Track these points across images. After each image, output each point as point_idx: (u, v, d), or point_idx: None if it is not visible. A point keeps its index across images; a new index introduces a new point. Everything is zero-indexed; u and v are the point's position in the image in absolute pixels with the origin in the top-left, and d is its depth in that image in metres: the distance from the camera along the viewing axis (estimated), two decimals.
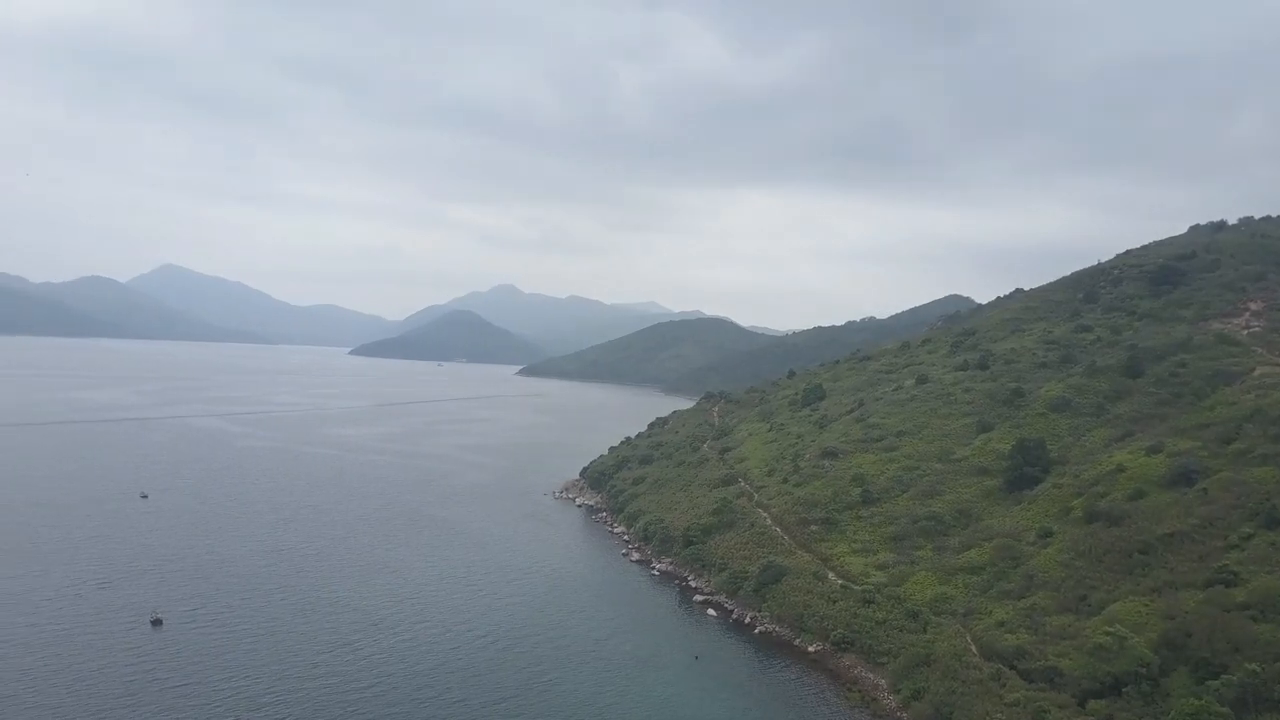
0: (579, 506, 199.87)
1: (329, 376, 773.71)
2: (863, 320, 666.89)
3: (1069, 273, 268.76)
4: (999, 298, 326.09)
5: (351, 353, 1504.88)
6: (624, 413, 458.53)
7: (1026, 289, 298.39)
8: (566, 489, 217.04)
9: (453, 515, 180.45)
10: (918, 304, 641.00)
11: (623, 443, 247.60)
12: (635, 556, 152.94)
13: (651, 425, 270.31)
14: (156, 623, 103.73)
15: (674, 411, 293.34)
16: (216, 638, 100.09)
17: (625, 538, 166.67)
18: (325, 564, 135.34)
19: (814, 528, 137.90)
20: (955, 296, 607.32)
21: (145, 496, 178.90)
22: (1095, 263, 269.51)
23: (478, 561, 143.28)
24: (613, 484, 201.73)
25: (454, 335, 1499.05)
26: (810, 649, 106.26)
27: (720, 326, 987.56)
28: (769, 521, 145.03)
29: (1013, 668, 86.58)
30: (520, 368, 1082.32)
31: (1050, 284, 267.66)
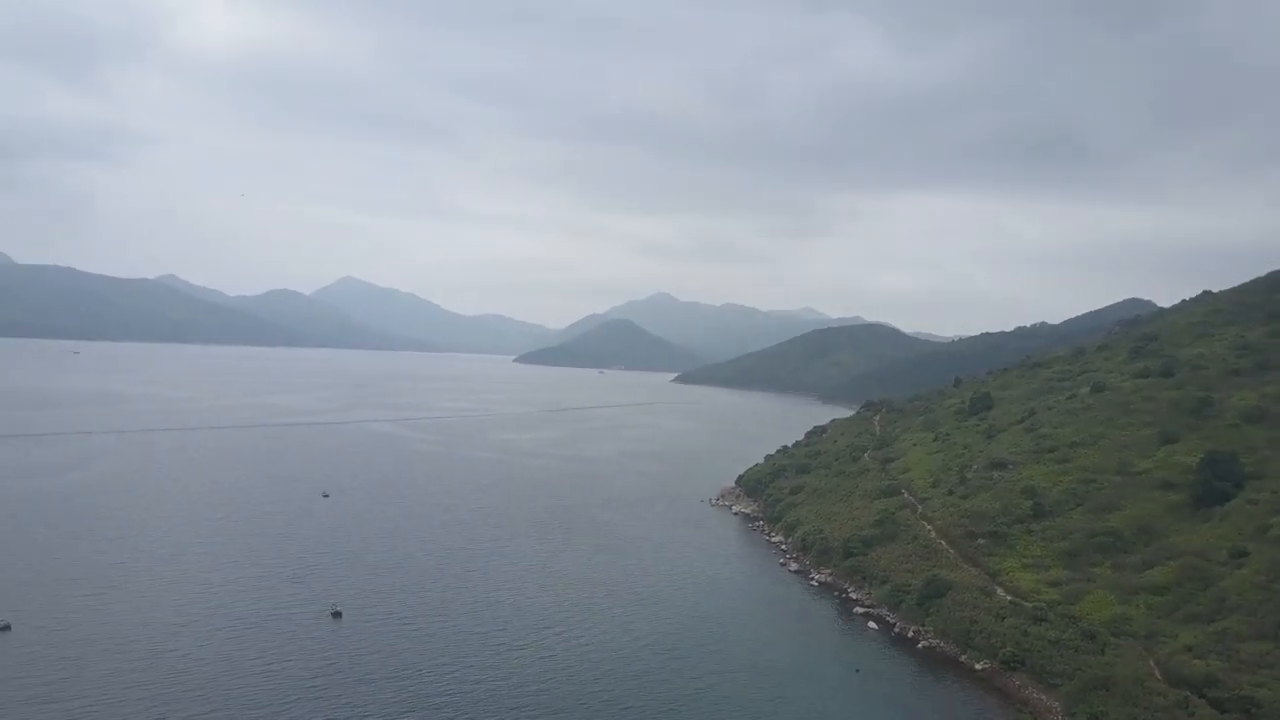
0: (735, 514, 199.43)
1: (495, 383, 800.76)
2: (1033, 326, 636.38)
3: (1264, 273, 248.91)
4: (1184, 301, 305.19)
5: (516, 360, 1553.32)
6: (780, 421, 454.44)
7: (1215, 291, 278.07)
8: (723, 496, 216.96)
9: (612, 519, 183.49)
10: (1093, 308, 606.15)
11: (779, 451, 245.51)
12: (793, 566, 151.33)
13: (809, 434, 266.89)
14: (336, 615, 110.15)
15: (833, 420, 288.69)
16: (391, 632, 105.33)
17: (783, 547, 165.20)
18: (491, 565, 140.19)
19: (981, 541, 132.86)
20: (1134, 300, 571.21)
21: (327, 496, 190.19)
22: None
23: (637, 566, 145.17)
24: (769, 492, 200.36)
25: (612, 343, 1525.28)
26: (977, 666, 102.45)
27: (881, 333, 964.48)
28: (933, 534, 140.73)
29: (1202, 696, 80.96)
30: (676, 375, 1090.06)
31: (1243, 285, 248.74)
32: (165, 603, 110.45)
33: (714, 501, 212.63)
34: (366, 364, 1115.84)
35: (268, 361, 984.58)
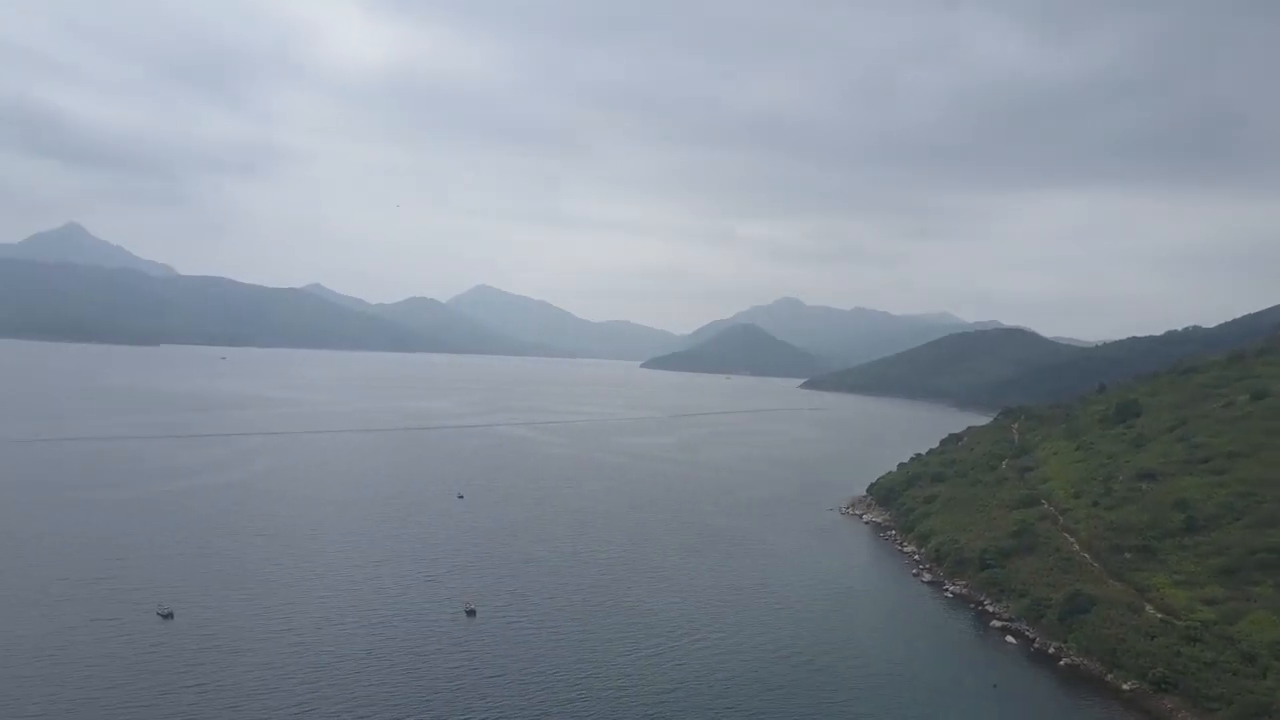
0: (866, 523, 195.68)
1: (621, 388, 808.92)
2: (1185, 330, 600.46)
3: None
4: None
5: (643, 366, 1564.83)
6: (912, 428, 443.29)
7: None
8: (853, 505, 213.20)
9: (739, 526, 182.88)
10: (1253, 310, 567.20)
11: (913, 459, 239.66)
12: (926, 577, 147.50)
13: (944, 441, 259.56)
14: (470, 613, 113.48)
15: (969, 428, 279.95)
16: (524, 631, 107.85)
17: (916, 557, 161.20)
18: (621, 569, 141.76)
19: (1128, 555, 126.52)
20: None
21: (461, 497, 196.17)
22: None
23: (767, 574, 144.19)
24: (902, 501, 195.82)
25: (738, 348, 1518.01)
26: (1124, 686, 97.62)
27: (1019, 338, 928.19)
28: (1075, 546, 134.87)
29: None
30: (803, 381, 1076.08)
31: None
32: (312, 598, 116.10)
33: (844, 510, 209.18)
34: (498, 369, 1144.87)
35: (405, 367, 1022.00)
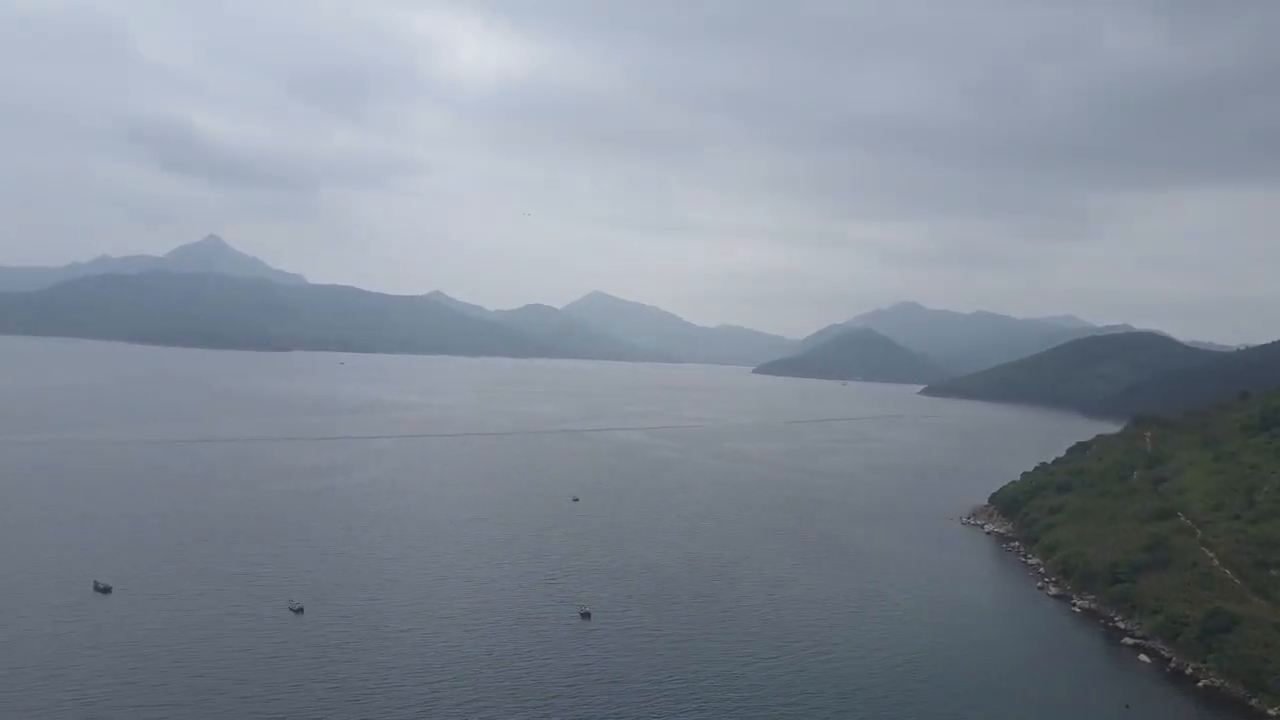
0: (988, 534, 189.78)
1: (733, 393, 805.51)
2: None
3: None
4: None
5: (755, 371, 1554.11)
6: (1036, 436, 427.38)
7: None
8: (974, 515, 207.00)
9: (855, 533, 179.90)
10: None
11: (1037, 468, 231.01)
12: (1052, 591, 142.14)
13: (1071, 450, 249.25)
14: (586, 615, 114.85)
15: (1097, 436, 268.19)
16: (639, 636, 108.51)
17: (1040, 570, 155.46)
18: (735, 575, 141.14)
19: (1274, 572, 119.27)
20: None
21: (576, 500, 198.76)
22: None
23: (884, 584, 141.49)
24: (1026, 512, 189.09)
25: (853, 354, 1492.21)
26: (1270, 712, 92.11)
27: (1153, 342, 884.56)
28: (1215, 562, 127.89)
29: None
30: (922, 387, 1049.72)
31: None
32: (434, 597, 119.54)
33: (964, 520, 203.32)
34: (610, 374, 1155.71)
35: (520, 372, 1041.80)
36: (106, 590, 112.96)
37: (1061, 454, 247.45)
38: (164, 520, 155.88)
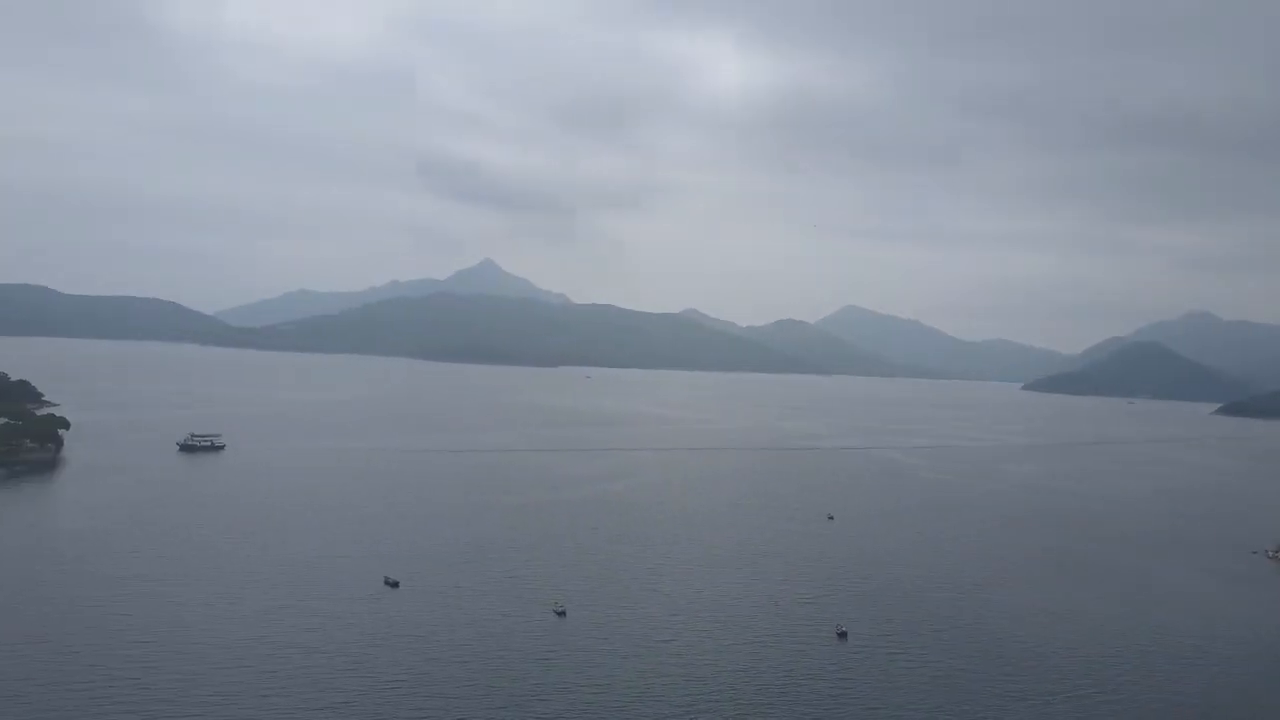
0: None
1: (1000, 411, 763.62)
2: None
3: None
4: None
5: (1024, 388, 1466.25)
6: None
7: None
8: None
9: (1137, 564, 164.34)
10: None
11: None
12: None
13: None
14: (842, 635, 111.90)
15: None
16: (898, 661, 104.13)
17: None
18: (1000, 602, 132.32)
19: None
20: None
21: (831, 518, 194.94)
22: None
23: (1168, 620, 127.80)
24: None
25: (1137, 369, 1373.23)
26: None
27: None
28: None
29: None
30: (1217, 406, 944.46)
31: None
32: (692, 609, 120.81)
33: (1272, 553, 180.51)
34: (865, 390, 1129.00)
35: (773, 387, 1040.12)
36: (395, 585, 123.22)
37: None
38: (444, 522, 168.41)
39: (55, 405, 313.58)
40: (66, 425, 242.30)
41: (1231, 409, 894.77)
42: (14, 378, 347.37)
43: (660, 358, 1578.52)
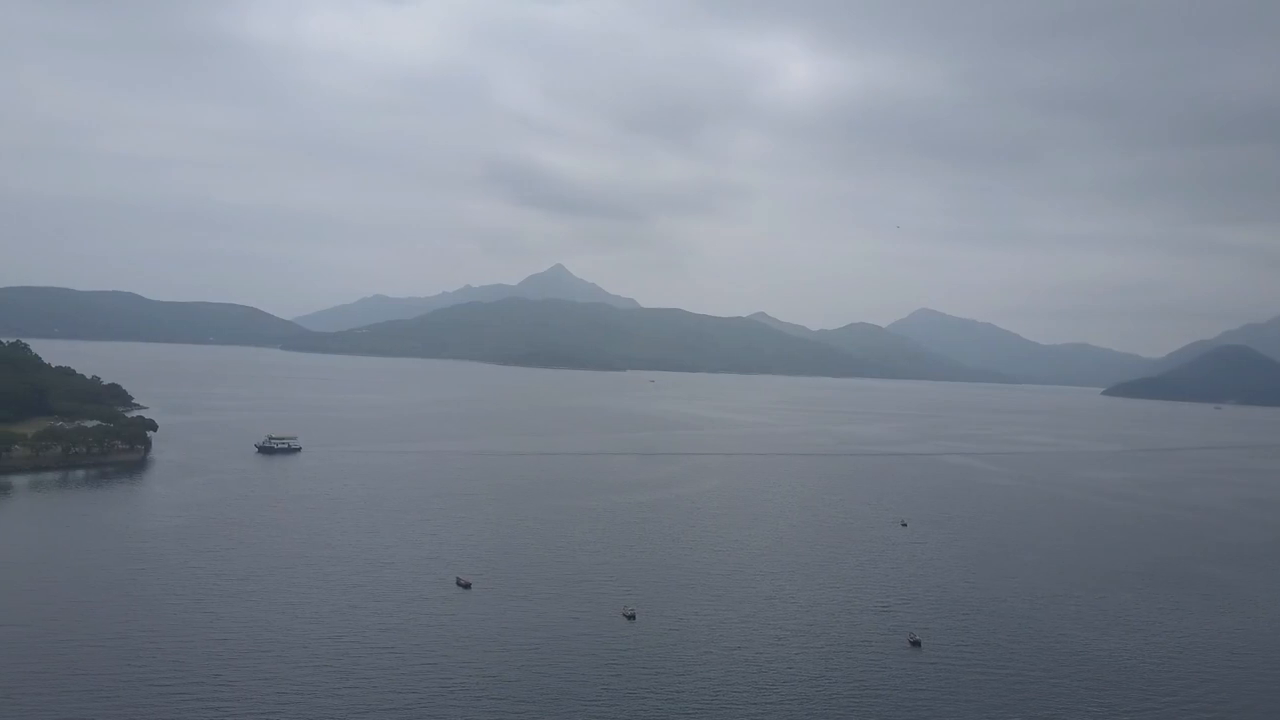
0: None
1: (1080, 418, 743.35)
2: None
3: None
4: None
5: (1105, 393, 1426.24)
6: None
7: None
8: None
9: (1227, 575, 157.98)
10: None
11: None
12: None
13: None
14: (915, 644, 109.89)
15: None
16: (974, 671, 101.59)
17: None
18: (1082, 613, 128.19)
19: None
20: None
21: (905, 525, 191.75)
22: None
23: (1269, 638, 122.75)
24: None
25: (1224, 374, 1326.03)
26: None
27: None
28: None
29: None
30: None
31: None
32: (762, 615, 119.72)
33: None
34: (939, 394, 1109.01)
35: (844, 391, 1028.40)
36: (467, 586, 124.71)
37: None
38: (515, 524, 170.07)
39: (144, 408, 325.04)
40: (154, 427, 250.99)
41: None
42: (106, 381, 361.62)
43: (729, 361, 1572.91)
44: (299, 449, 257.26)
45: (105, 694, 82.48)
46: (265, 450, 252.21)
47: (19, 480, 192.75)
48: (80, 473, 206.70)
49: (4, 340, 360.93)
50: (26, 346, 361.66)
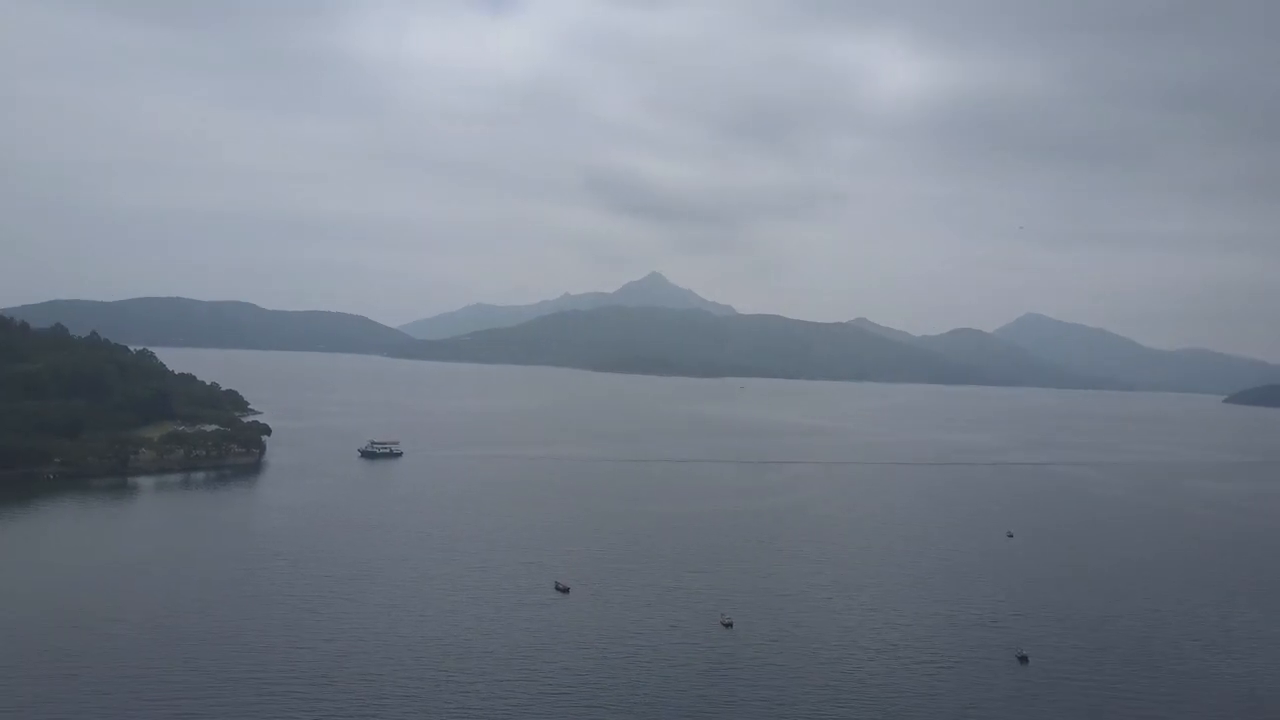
0: None
1: (1199, 427, 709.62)
2: None
3: None
4: None
5: (1226, 401, 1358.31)
6: None
7: None
8: None
9: None
10: None
11: None
12: None
13: None
14: (1022, 660, 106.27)
15: None
16: (1087, 687, 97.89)
17: None
18: (1200, 633, 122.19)
19: None
20: None
21: (1011, 536, 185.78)
22: None
23: None
24: None
25: None
26: None
27: None
28: None
29: None
30: None
31: None
32: (864, 626, 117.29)
33: None
34: (1047, 402, 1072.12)
35: (948, 399, 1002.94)
36: (566, 591, 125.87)
37: None
38: (612, 530, 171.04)
39: (258, 413, 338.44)
40: (268, 432, 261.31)
41: None
42: (224, 388, 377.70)
43: (828, 368, 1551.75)
44: (400, 454, 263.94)
45: (218, 690, 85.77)
46: (368, 454, 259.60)
47: (145, 481, 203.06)
48: (200, 474, 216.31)
49: (133, 348, 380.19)
50: (153, 355, 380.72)
